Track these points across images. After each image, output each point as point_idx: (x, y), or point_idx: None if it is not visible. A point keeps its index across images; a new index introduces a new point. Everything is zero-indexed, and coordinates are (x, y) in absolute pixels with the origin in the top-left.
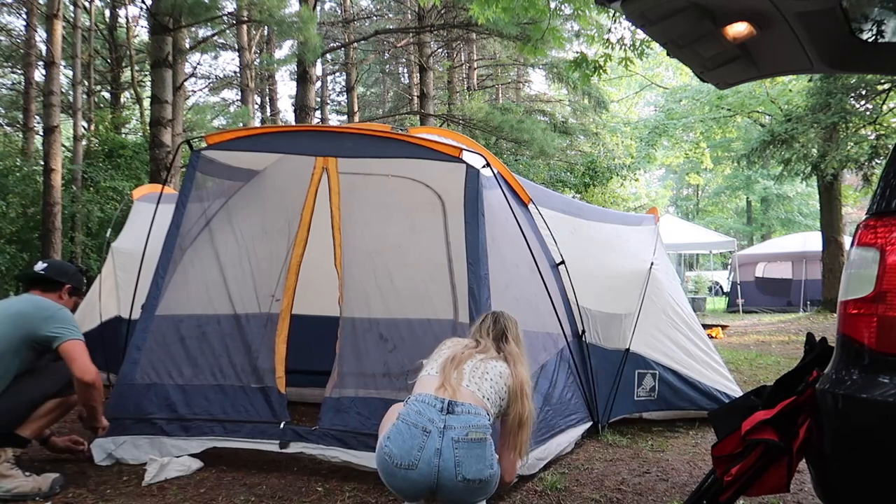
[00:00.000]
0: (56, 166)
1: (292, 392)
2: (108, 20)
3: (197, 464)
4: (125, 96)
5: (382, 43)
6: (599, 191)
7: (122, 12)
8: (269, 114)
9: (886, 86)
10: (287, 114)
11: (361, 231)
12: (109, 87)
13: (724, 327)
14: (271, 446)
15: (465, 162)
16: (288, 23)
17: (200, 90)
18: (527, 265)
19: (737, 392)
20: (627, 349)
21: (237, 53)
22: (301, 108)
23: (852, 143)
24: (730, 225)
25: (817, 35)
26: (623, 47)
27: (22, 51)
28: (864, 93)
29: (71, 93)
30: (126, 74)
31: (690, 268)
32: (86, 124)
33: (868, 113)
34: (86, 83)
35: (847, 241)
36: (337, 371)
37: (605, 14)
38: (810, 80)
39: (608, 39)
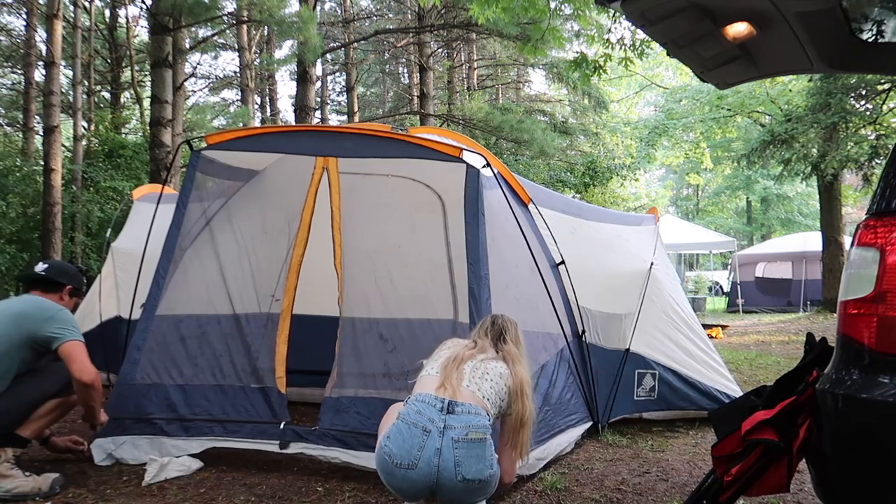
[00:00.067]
0: (56, 166)
1: (292, 392)
2: (108, 20)
3: (197, 464)
4: (125, 96)
5: (382, 43)
6: (599, 191)
7: (122, 12)
8: (269, 114)
9: (886, 86)
10: (287, 114)
11: (361, 231)
12: (109, 87)
13: (724, 327)
14: (271, 446)
15: (465, 162)
16: (288, 23)
17: (200, 90)
18: (527, 265)
19: (737, 392)
20: (627, 349)
21: (237, 53)
22: (301, 108)
23: (852, 143)
24: (730, 225)
25: (817, 35)
26: (623, 47)
27: (22, 51)
28: (864, 93)
29: (71, 93)
30: (126, 74)
31: (690, 268)
32: (86, 124)
33: (868, 113)
34: (86, 83)
35: (847, 241)
36: (337, 371)
37: (605, 14)
38: (810, 80)
39: (608, 39)
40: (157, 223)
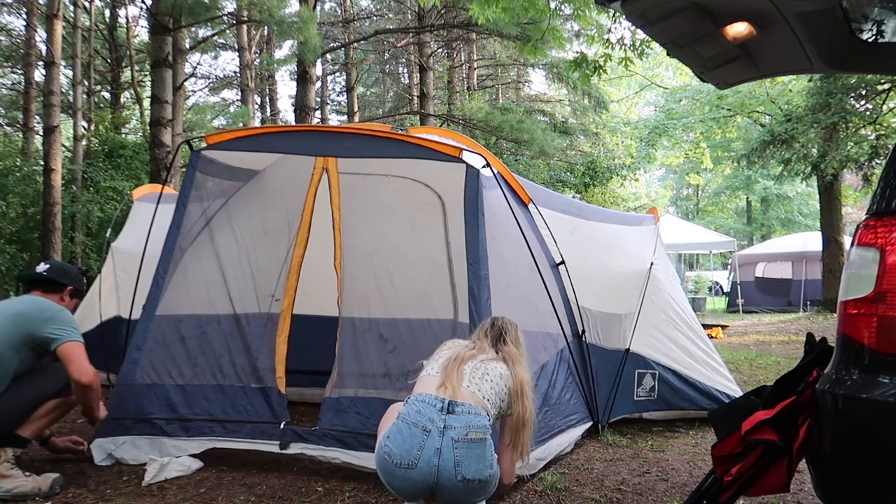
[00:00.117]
0: (56, 166)
1: (292, 392)
2: (108, 20)
3: (197, 464)
4: (125, 96)
5: (382, 43)
6: (599, 191)
7: (122, 12)
8: (269, 114)
9: (886, 86)
10: (287, 114)
11: (361, 231)
12: (109, 87)
13: (724, 327)
14: (271, 447)
15: (465, 162)
16: (288, 23)
17: (200, 90)
18: (527, 265)
19: (737, 392)
20: (627, 349)
21: (237, 53)
22: (301, 108)
23: (852, 143)
24: (730, 225)
25: (817, 35)
26: (623, 47)
27: (22, 51)
28: (864, 93)
29: (71, 93)
30: (126, 74)
31: (690, 268)
32: (86, 124)
33: (868, 113)
34: (86, 83)
35: (847, 241)
36: (337, 371)
37: (605, 14)
38: (810, 80)
39: (608, 39)
40: (157, 223)
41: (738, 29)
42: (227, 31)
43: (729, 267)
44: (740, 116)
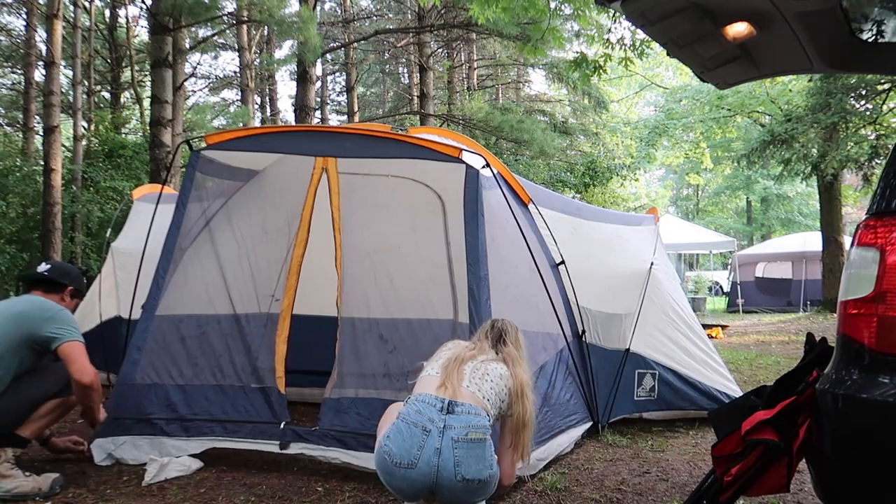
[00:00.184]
0: (56, 166)
1: (292, 392)
2: (108, 20)
3: (197, 464)
4: (125, 96)
5: (382, 43)
6: (599, 191)
7: (122, 12)
8: (269, 114)
9: (886, 86)
10: (287, 114)
11: (361, 231)
12: (109, 87)
13: (724, 327)
14: (271, 447)
15: (464, 162)
16: (288, 23)
17: (200, 90)
18: (526, 265)
19: (737, 392)
20: (627, 349)
21: (237, 53)
22: (301, 108)
23: (852, 143)
24: (730, 225)
25: (817, 35)
26: (623, 47)
27: (22, 51)
28: (864, 93)
29: (71, 93)
30: (126, 74)
31: (690, 268)
32: (86, 124)
33: (868, 113)
34: (86, 83)
35: (847, 241)
36: (337, 371)
37: (605, 14)
38: (810, 80)
39: (608, 39)
40: (157, 223)
41: (738, 29)
42: (227, 31)
43: (729, 267)
44: (740, 116)
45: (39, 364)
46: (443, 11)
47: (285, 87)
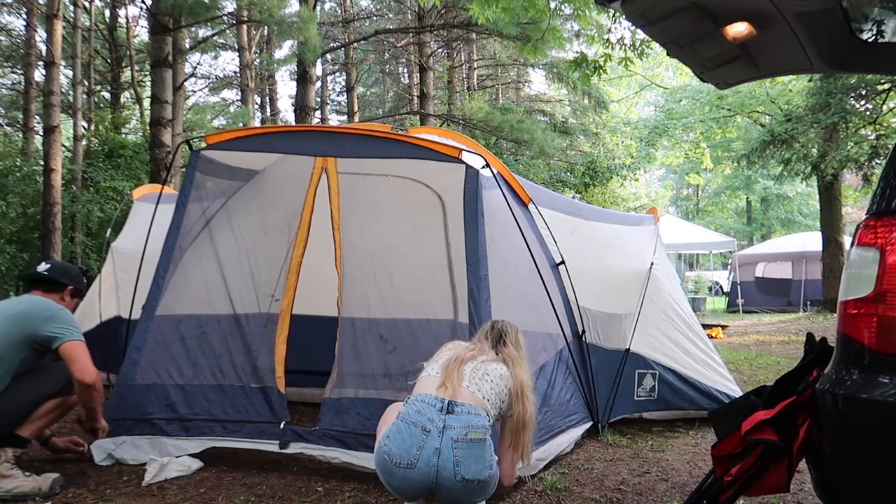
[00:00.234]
0: (56, 166)
1: (292, 392)
2: (108, 20)
3: (197, 464)
4: (125, 96)
5: (382, 43)
6: (599, 191)
7: (122, 12)
8: (269, 114)
9: (886, 86)
10: (287, 114)
11: (361, 231)
12: (109, 87)
13: (724, 327)
14: (271, 446)
15: (464, 162)
16: (288, 23)
17: (200, 90)
18: (526, 266)
19: (737, 392)
20: (627, 349)
21: (237, 53)
22: (301, 108)
23: (852, 143)
24: (730, 225)
25: (817, 35)
26: (623, 47)
27: (22, 51)
28: (864, 93)
29: (71, 93)
30: (126, 74)
31: (690, 268)
32: (86, 124)
33: (868, 113)
34: (86, 83)
35: (847, 241)
36: (336, 371)
37: (605, 14)
38: (810, 80)
39: (608, 39)
40: (157, 223)
41: (738, 29)
42: (227, 31)
43: (729, 267)
44: (740, 116)
45: (39, 364)
46: (443, 11)
47: (285, 87)
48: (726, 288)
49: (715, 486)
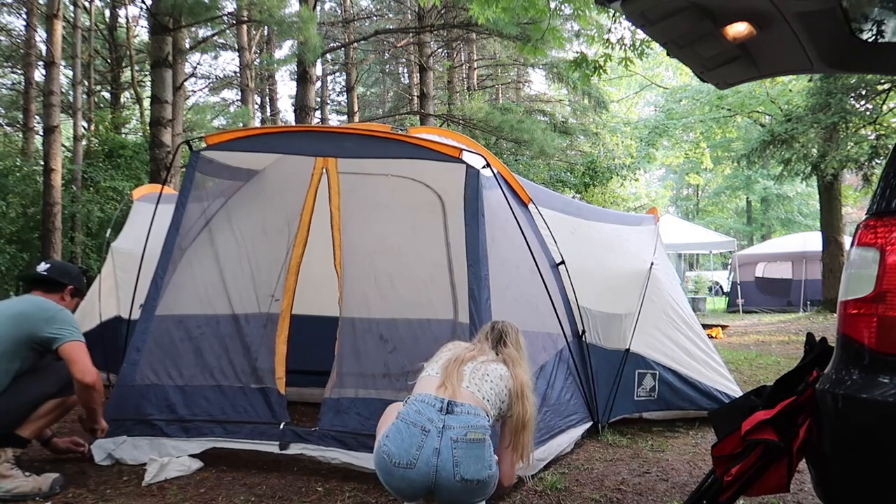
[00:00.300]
0: (56, 166)
1: (292, 392)
2: (108, 20)
3: (197, 464)
4: (125, 96)
5: (382, 43)
6: (599, 191)
7: (122, 12)
8: (269, 114)
9: (886, 86)
10: (287, 114)
11: (361, 231)
12: (109, 87)
13: (724, 327)
14: (271, 447)
15: (464, 162)
16: (288, 23)
17: (200, 90)
18: (527, 266)
19: (737, 392)
20: (627, 349)
21: (237, 53)
22: (301, 108)
23: (852, 143)
24: (730, 225)
25: (817, 35)
26: (623, 47)
27: (22, 51)
28: (864, 93)
29: (71, 93)
30: (126, 74)
31: (690, 268)
32: (86, 124)
33: (868, 113)
34: (86, 83)
35: (847, 241)
36: (336, 372)
37: (605, 14)
38: (810, 80)
39: (608, 39)
40: (157, 223)
41: (738, 29)
42: (227, 31)
43: (729, 267)
44: (740, 116)
45: (39, 364)
46: (443, 11)
47: (285, 87)
48: (726, 288)
49: (715, 486)
